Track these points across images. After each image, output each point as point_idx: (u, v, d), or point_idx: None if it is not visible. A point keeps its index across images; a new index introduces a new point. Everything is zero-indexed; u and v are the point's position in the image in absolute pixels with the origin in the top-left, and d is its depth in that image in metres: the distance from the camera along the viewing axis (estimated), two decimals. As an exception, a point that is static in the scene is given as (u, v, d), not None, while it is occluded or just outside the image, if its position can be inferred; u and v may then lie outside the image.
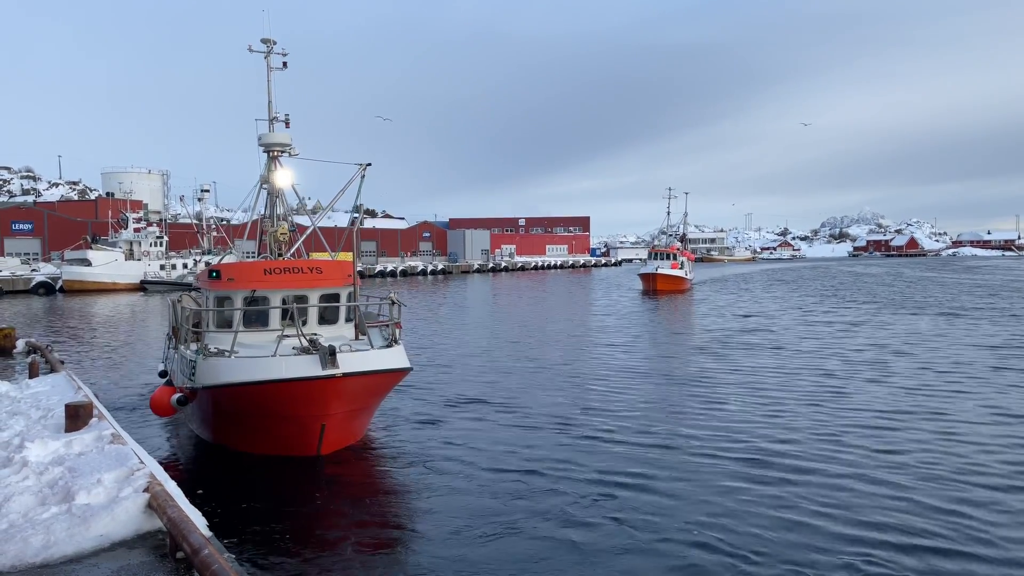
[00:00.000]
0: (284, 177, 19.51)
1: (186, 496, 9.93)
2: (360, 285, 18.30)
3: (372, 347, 16.18)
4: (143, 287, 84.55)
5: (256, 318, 17.45)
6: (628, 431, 17.52)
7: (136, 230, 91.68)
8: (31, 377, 19.70)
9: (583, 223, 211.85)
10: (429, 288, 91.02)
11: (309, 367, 14.54)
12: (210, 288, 17.72)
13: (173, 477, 10.03)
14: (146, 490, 9.41)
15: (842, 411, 19.28)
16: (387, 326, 17.63)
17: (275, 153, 19.44)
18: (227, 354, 15.37)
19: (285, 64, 19.95)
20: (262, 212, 20.03)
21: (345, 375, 14.54)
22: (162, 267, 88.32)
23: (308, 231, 20.49)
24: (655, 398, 21.51)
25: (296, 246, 19.97)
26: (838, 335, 36.15)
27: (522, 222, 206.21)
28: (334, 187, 19.05)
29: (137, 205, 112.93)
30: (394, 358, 16.21)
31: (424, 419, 19.09)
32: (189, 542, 7.67)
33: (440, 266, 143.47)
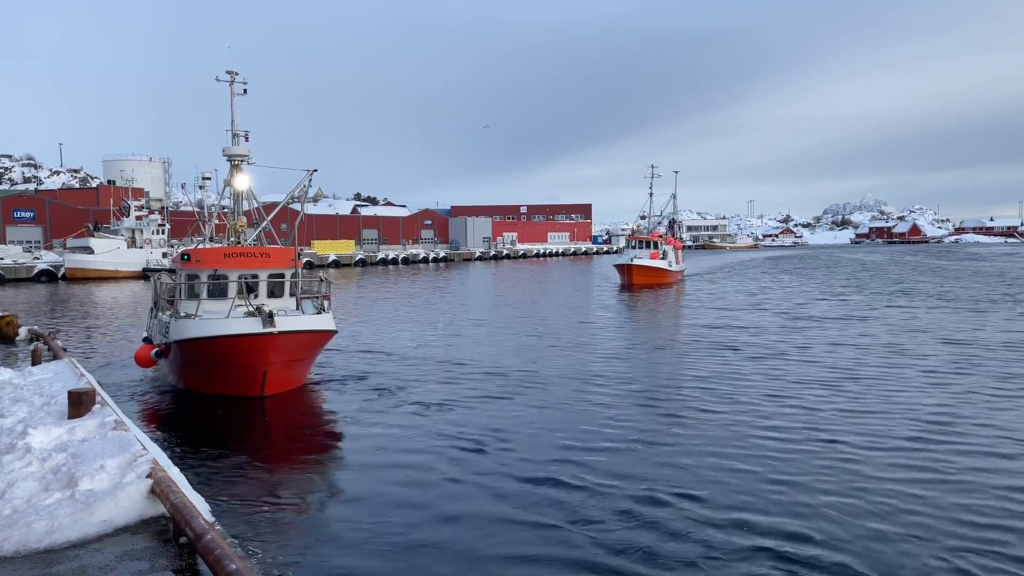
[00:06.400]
0: (242, 182, 23.92)
1: (177, 466, 9.99)
2: (300, 267, 22.79)
3: (304, 313, 21.27)
4: (145, 275, 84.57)
5: (218, 291, 21.51)
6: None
7: (138, 218, 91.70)
8: (34, 364, 19.78)
9: (585, 210, 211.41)
10: (430, 276, 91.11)
11: (253, 326, 18.87)
12: (182, 268, 21.78)
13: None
14: (149, 476, 9.44)
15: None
16: (317, 298, 22.31)
17: (236, 162, 23.82)
18: (193, 317, 19.78)
19: (245, 91, 24.43)
20: (226, 208, 24.80)
21: (280, 332, 18.96)
22: (164, 255, 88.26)
23: (263, 225, 24.70)
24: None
25: (257, 232, 24.61)
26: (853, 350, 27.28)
27: (524, 209, 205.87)
28: (315, 178, 24.04)
29: (139, 193, 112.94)
30: (321, 322, 20.95)
31: (357, 377, 22.92)
32: (192, 527, 7.69)
33: (442, 254, 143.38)
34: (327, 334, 21.17)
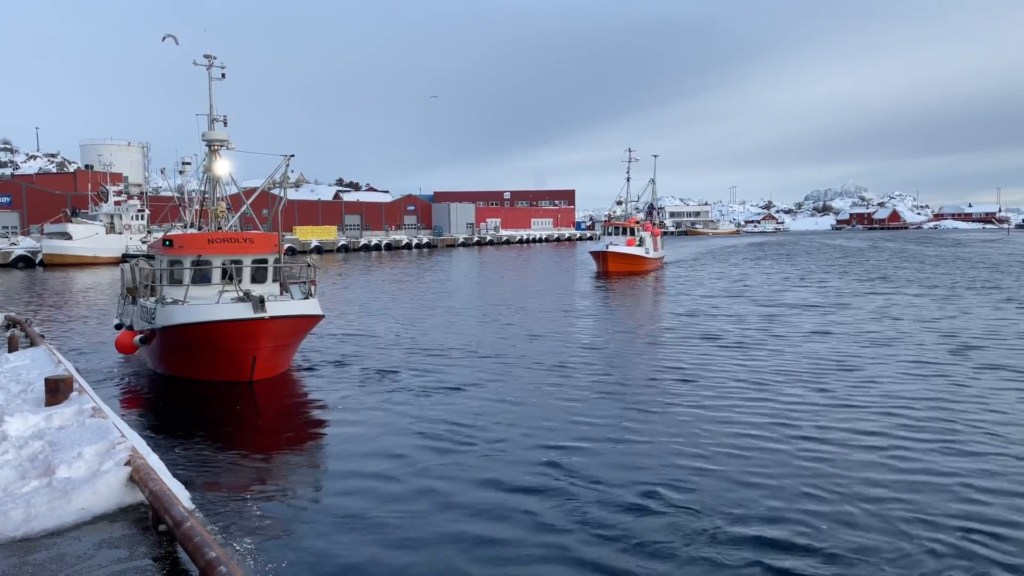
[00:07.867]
0: (222, 167, 23.82)
1: (155, 448, 9.92)
2: (283, 252, 22.95)
3: (292, 299, 21.35)
4: (125, 261, 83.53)
5: (201, 276, 21.38)
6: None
7: (117, 203, 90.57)
8: (10, 351, 19.53)
9: (568, 196, 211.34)
10: (413, 262, 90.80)
11: (244, 311, 18.87)
12: (164, 254, 21.57)
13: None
14: (127, 463, 9.36)
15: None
16: (304, 283, 22.45)
17: (215, 147, 23.68)
18: (180, 303, 19.61)
19: (224, 75, 24.14)
20: (206, 193, 24.84)
21: (271, 318, 19.03)
22: (144, 240, 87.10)
23: (242, 209, 24.52)
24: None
25: (236, 218, 24.41)
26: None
27: (507, 195, 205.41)
28: (297, 164, 23.72)
29: (117, 178, 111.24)
30: (309, 307, 21.04)
31: (341, 363, 23.06)
32: (171, 515, 7.65)
33: (425, 240, 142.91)
34: (315, 319, 21.28)
